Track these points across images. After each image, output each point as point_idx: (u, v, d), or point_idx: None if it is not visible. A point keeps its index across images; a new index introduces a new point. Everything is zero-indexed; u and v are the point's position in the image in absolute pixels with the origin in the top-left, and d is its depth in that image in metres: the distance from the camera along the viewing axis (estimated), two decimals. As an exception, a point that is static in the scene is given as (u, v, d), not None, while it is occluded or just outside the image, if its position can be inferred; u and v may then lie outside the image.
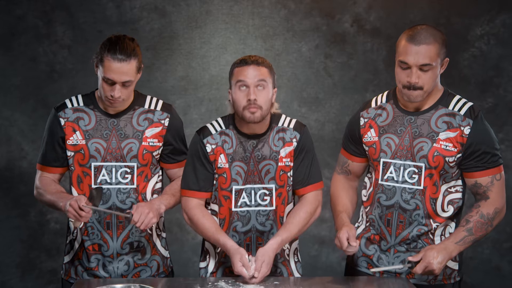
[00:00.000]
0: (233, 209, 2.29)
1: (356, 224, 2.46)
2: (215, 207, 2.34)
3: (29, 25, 4.09)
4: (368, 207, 2.39)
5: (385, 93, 2.42)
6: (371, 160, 2.37)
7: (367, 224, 2.40)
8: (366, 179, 2.45)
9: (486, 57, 4.19)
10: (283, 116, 2.39)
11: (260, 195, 2.29)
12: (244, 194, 2.29)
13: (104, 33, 4.13)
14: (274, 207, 2.30)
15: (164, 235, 2.53)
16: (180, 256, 4.11)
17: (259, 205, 2.29)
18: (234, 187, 2.29)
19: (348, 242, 2.17)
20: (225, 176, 2.29)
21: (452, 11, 4.19)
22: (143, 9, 4.15)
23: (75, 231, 2.41)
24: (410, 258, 2.16)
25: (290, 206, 2.38)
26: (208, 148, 2.31)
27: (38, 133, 4.12)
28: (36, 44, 4.10)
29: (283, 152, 2.32)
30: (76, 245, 2.41)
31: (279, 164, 2.30)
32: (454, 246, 2.18)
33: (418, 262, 2.14)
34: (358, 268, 2.41)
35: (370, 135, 2.36)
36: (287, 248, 2.35)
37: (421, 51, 2.15)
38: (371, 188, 2.38)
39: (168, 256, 2.55)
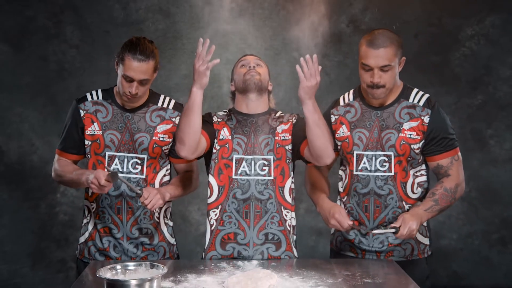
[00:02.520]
0: (233, 176, 2.48)
1: None
2: (211, 178, 2.50)
3: (39, 26, 4.24)
4: (346, 197, 2.59)
5: (351, 91, 2.65)
6: (345, 153, 2.58)
7: (346, 212, 2.58)
8: (341, 172, 2.65)
9: (477, 56, 4.35)
10: (280, 111, 2.63)
11: (259, 165, 2.48)
12: (244, 163, 2.48)
13: (111, 33, 4.29)
14: (272, 177, 2.48)
15: (171, 223, 2.71)
16: (184, 247, 4.24)
17: (258, 174, 2.48)
18: (235, 156, 2.49)
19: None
20: (227, 146, 2.49)
21: (444, 12, 4.35)
22: (148, 10, 4.31)
23: (89, 215, 2.60)
24: (393, 225, 2.36)
25: (289, 181, 2.53)
26: (215, 119, 2.56)
27: (48, 129, 4.29)
28: (46, 44, 4.26)
29: (280, 128, 2.53)
30: (90, 228, 2.59)
31: (276, 138, 2.51)
32: (423, 212, 2.41)
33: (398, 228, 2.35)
34: (342, 252, 2.62)
35: (342, 131, 2.57)
36: (289, 219, 2.51)
37: (380, 54, 2.38)
38: (347, 179, 2.58)
39: (175, 243, 2.72)
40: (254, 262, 2.39)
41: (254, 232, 2.46)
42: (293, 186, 2.54)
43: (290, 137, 2.52)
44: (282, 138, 2.52)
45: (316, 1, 4.38)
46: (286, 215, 2.51)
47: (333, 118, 2.60)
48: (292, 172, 2.55)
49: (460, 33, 4.35)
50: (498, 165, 4.41)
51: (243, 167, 2.48)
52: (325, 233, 4.46)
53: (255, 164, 2.48)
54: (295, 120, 2.56)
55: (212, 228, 2.50)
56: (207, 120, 2.53)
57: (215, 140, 2.51)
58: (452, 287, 4.42)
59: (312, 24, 4.39)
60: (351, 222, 2.38)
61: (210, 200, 2.51)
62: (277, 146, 2.50)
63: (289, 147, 2.52)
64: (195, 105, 2.32)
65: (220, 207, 2.49)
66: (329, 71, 4.40)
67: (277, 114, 2.59)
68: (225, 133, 2.52)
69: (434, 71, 4.38)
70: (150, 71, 2.46)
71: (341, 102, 2.63)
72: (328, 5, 4.38)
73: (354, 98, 2.60)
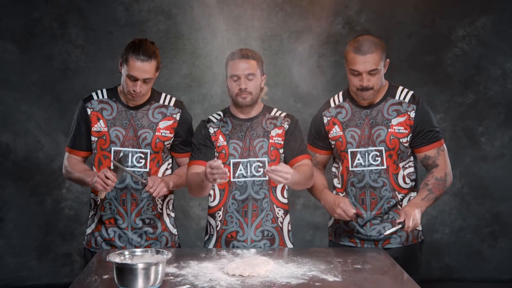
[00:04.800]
0: (232, 179, 2.63)
1: None
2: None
3: (45, 27, 4.37)
4: (344, 192, 2.74)
5: (340, 93, 2.80)
6: (339, 151, 2.73)
7: None
8: (334, 169, 2.81)
9: (468, 56, 4.48)
10: (275, 109, 2.74)
11: (254, 167, 2.63)
12: (240, 166, 2.63)
13: (114, 34, 4.41)
14: (267, 178, 2.62)
15: (172, 214, 2.85)
16: (184, 241, 4.36)
17: (254, 176, 2.63)
18: (232, 161, 2.63)
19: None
20: (224, 152, 2.64)
21: (436, 14, 4.48)
22: (150, 12, 4.43)
23: (96, 207, 2.75)
24: (398, 221, 2.49)
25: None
26: (211, 130, 2.68)
27: (53, 126, 4.42)
28: (52, 44, 4.39)
29: (274, 132, 2.66)
30: (96, 219, 2.74)
31: (270, 141, 2.65)
32: (421, 202, 2.57)
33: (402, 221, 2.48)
34: (341, 242, 2.76)
35: (335, 131, 2.72)
36: (281, 216, 2.67)
37: (368, 60, 2.53)
38: (343, 175, 2.73)
39: (176, 233, 2.87)
40: (252, 250, 2.54)
41: (252, 230, 2.62)
42: (286, 186, 2.68)
43: (283, 141, 2.66)
44: (276, 142, 2.66)
45: (313, 4, 4.53)
46: (278, 213, 2.66)
47: (325, 120, 2.75)
48: None
49: (452, 34, 4.48)
50: (489, 161, 4.55)
51: (240, 170, 2.63)
52: (321, 227, 4.59)
53: (250, 166, 2.63)
54: (287, 126, 2.69)
55: (218, 228, 2.66)
56: (205, 136, 2.66)
57: (215, 150, 2.66)
58: (444, 279, 4.54)
59: (309, 25, 4.55)
60: (355, 211, 2.53)
61: (213, 204, 2.67)
62: (271, 149, 2.64)
63: (282, 150, 2.67)
64: (207, 187, 2.54)
65: (222, 208, 2.65)
66: (326, 70, 4.52)
67: (272, 113, 2.71)
68: (220, 140, 2.66)
69: (427, 71, 4.51)
70: (153, 71, 2.61)
71: (332, 104, 2.77)
72: (324, 7, 4.55)
73: (344, 100, 2.75)
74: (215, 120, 2.72)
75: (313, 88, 4.52)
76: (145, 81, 2.61)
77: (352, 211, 2.53)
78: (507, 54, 4.47)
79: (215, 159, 2.48)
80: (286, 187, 2.69)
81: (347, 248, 2.65)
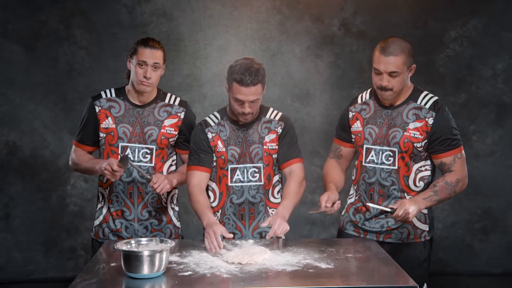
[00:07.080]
0: (229, 184, 2.75)
1: (349, 197, 2.94)
2: (213, 184, 2.81)
3: (51, 29, 4.49)
4: (356, 185, 2.87)
5: (368, 90, 2.90)
6: (357, 146, 2.85)
7: (356, 198, 2.88)
8: (356, 162, 2.91)
9: (460, 57, 4.61)
10: (271, 109, 2.84)
11: (251, 173, 2.76)
12: (238, 171, 2.75)
13: (118, 36, 4.53)
14: (262, 182, 2.76)
15: (176, 208, 3.00)
16: (185, 236, 4.46)
17: (250, 181, 2.76)
18: (230, 166, 2.75)
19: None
20: (223, 158, 2.76)
21: (429, 16, 4.61)
22: (152, 14, 4.55)
23: (103, 200, 2.89)
24: (391, 206, 2.60)
25: (277, 177, 2.82)
26: (209, 136, 2.79)
27: (58, 125, 4.55)
28: (57, 46, 4.50)
29: (268, 138, 2.77)
30: (104, 211, 2.89)
31: (264, 147, 2.76)
32: (422, 200, 2.64)
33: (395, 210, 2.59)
34: (346, 231, 2.90)
35: (357, 126, 2.84)
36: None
37: (390, 61, 2.61)
38: (357, 169, 2.86)
39: (180, 226, 3.02)
40: (250, 241, 2.68)
41: (249, 231, 2.77)
42: (280, 186, 2.82)
43: (276, 146, 2.78)
44: (270, 147, 2.78)
45: (310, 6, 4.65)
46: (271, 214, 2.78)
47: (350, 114, 2.87)
48: (277, 175, 2.83)
49: (445, 35, 4.60)
50: (480, 159, 4.67)
51: (237, 175, 2.76)
52: (318, 223, 4.72)
53: (247, 171, 2.76)
54: (280, 131, 2.79)
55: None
56: (204, 141, 2.75)
57: (214, 155, 2.78)
58: (437, 273, 4.64)
59: (306, 27, 4.68)
60: (329, 205, 2.60)
61: (212, 205, 2.79)
62: (265, 155, 2.77)
63: (275, 155, 2.79)
64: None
65: (220, 211, 2.79)
66: (322, 71, 4.64)
67: (267, 115, 2.80)
68: (220, 146, 2.77)
69: (421, 71, 4.51)
70: (161, 58, 2.79)
71: (359, 101, 2.88)
72: (321, 9, 4.67)
73: (370, 97, 2.85)
74: (212, 124, 2.81)
75: (310, 88, 4.64)
76: (154, 66, 2.76)
77: (323, 204, 2.60)
78: (498, 54, 4.60)
79: (219, 231, 2.49)
80: (279, 188, 2.82)
81: (340, 240, 2.79)
